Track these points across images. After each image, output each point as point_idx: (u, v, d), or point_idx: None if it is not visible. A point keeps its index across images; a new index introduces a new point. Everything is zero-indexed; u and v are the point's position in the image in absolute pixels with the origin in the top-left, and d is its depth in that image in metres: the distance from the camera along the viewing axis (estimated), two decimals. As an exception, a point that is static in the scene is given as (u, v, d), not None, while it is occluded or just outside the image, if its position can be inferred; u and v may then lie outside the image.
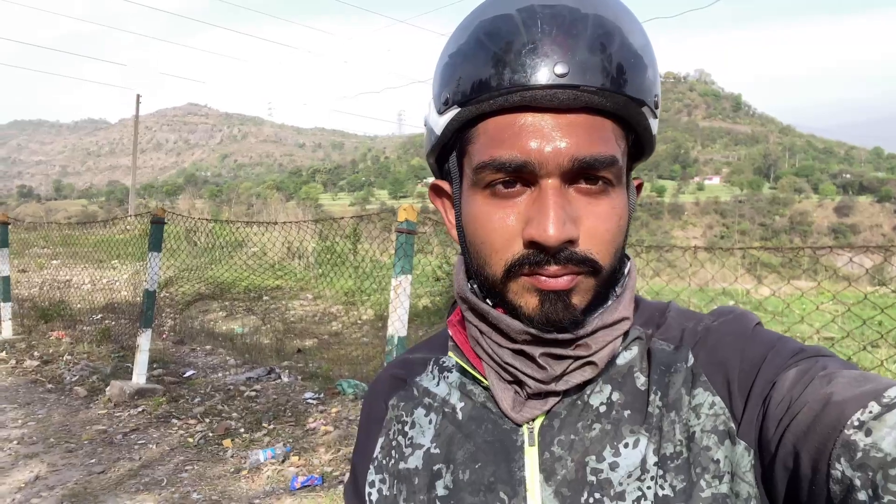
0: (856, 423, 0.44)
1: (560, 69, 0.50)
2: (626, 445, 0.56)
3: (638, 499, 0.54)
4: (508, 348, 0.59)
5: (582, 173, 0.53)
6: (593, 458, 0.56)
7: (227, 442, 4.40)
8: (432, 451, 0.63)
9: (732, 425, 0.54)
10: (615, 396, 0.58)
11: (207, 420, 4.84)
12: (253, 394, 5.44)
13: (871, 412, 0.43)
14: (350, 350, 7.13)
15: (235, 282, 10.05)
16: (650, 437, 0.56)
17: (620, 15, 0.54)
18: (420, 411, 0.66)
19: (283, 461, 4.07)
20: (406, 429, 0.66)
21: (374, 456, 0.68)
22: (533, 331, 0.56)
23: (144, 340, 5.32)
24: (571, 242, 0.53)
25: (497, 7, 0.54)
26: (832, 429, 0.45)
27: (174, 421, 4.84)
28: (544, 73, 0.51)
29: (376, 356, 6.48)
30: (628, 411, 0.57)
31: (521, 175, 0.53)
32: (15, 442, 4.44)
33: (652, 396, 0.58)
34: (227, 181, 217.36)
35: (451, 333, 0.66)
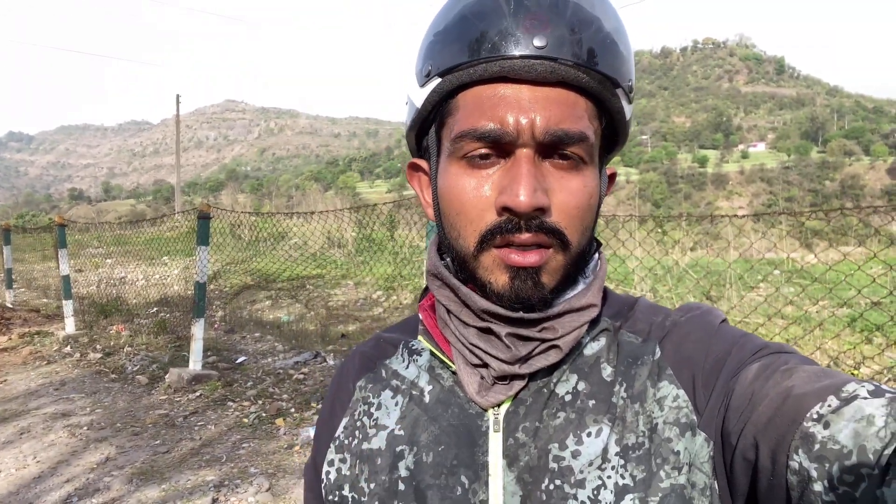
0: (814, 416, 0.45)
1: (538, 42, 0.52)
2: (588, 434, 0.57)
3: (598, 487, 0.54)
4: (475, 326, 0.60)
5: (554, 147, 0.55)
6: (556, 445, 0.57)
7: (279, 421, 4.65)
8: (396, 432, 0.63)
9: (694, 418, 0.55)
10: (581, 386, 0.59)
11: (260, 402, 5.10)
12: (301, 377, 5.68)
13: (829, 406, 0.45)
14: (392, 332, 7.32)
15: (279, 272, 10.37)
16: (613, 426, 0.57)
17: (599, 4, 0.56)
18: (387, 393, 0.67)
19: (332, 438, 4.28)
20: (371, 410, 0.67)
21: (336, 435, 0.68)
22: (500, 310, 0.57)
23: (198, 329, 5.61)
24: (542, 211, 0.54)
25: None
26: (791, 421, 0.46)
27: (229, 403, 5.11)
28: (523, 44, 0.53)
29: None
30: (593, 401, 0.58)
31: (498, 146, 0.55)
32: (85, 428, 4.76)
33: (617, 387, 0.58)
34: (267, 175, 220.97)
35: (421, 317, 0.67)
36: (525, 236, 0.54)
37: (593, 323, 0.61)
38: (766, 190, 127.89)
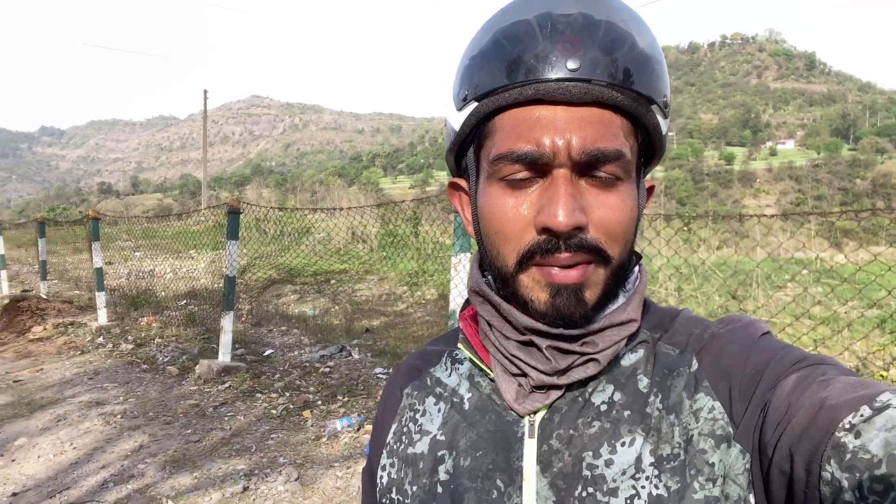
0: (847, 426, 0.45)
1: (572, 64, 0.53)
2: (622, 444, 0.57)
3: (631, 497, 0.55)
4: (515, 340, 0.61)
5: (591, 166, 0.55)
6: (590, 453, 0.58)
7: (306, 413, 4.74)
8: (438, 437, 0.66)
9: (730, 430, 0.55)
10: (617, 396, 0.60)
11: (287, 394, 5.20)
12: (327, 370, 5.77)
13: (862, 415, 0.45)
14: (415, 328, 7.40)
15: (304, 267, 10.50)
16: (647, 437, 0.57)
17: (631, 21, 0.56)
18: (431, 400, 0.69)
19: (357, 429, 4.36)
20: (417, 416, 0.69)
21: (387, 441, 0.71)
22: (542, 326, 0.58)
23: (227, 322, 5.72)
24: (581, 229, 0.55)
25: (515, 14, 0.57)
26: (825, 432, 0.46)
27: (258, 395, 5.22)
28: (557, 67, 0.53)
29: (440, 333, 6.71)
30: (628, 411, 0.59)
31: (536, 167, 0.55)
32: (119, 416, 4.90)
33: (652, 398, 0.59)
34: (291, 170, 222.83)
35: (461, 327, 0.70)
36: (565, 256, 0.55)
37: (632, 335, 0.62)
38: (794, 188, 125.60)
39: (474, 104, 0.58)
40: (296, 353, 6.48)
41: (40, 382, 5.91)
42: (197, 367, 5.85)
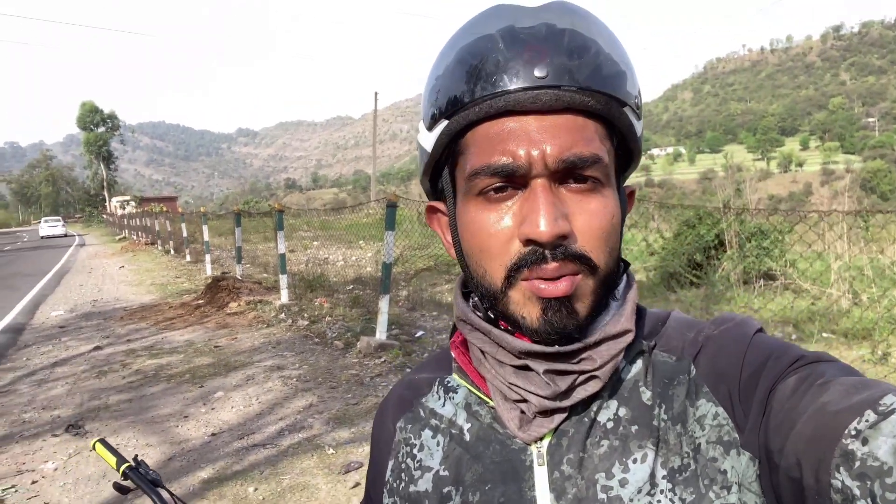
0: (853, 433, 0.44)
1: (539, 72, 0.52)
2: (634, 461, 0.56)
3: None
4: (511, 365, 0.59)
5: (569, 173, 0.54)
6: (603, 475, 0.56)
7: (448, 389, 5.22)
8: (441, 473, 0.63)
9: (736, 435, 0.54)
10: (622, 412, 0.58)
11: (434, 371, 5.72)
12: (471, 352, 6.23)
13: (867, 421, 0.44)
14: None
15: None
16: (657, 450, 0.56)
17: (593, 27, 0.56)
18: (427, 433, 0.66)
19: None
20: (414, 451, 0.66)
21: (387, 479, 0.68)
22: (538, 348, 0.56)
23: (384, 304, 6.39)
24: (565, 238, 0.53)
25: (477, 30, 0.56)
26: (831, 439, 0.45)
27: (407, 370, 5.78)
28: (525, 77, 0.52)
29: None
30: (635, 426, 0.57)
31: (513, 179, 0.54)
32: (294, 379, 5.73)
33: (657, 410, 0.58)
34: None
35: (454, 356, 0.66)
36: (552, 266, 0.53)
37: (629, 346, 0.60)
38: None
39: (444, 122, 0.57)
40: (444, 336, 7.01)
41: (234, 349, 7.02)
42: (358, 342, 6.60)
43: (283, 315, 8.50)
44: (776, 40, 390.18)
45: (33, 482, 3.90)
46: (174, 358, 6.74)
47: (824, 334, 6.05)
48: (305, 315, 8.37)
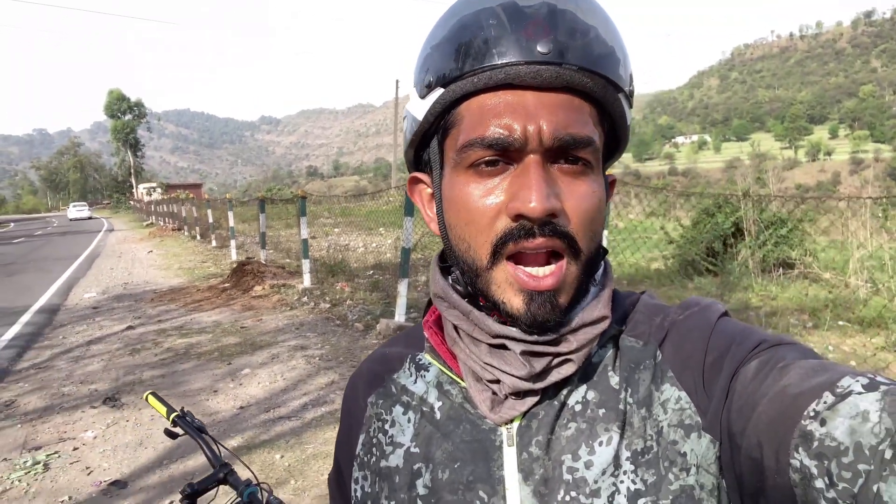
0: (811, 414, 0.45)
1: (542, 48, 0.52)
2: (600, 443, 0.57)
3: (612, 494, 0.55)
4: (486, 343, 0.59)
5: (562, 153, 0.54)
6: (569, 456, 0.57)
7: (465, 369, 5.41)
8: (412, 449, 0.63)
9: (698, 419, 0.55)
10: (590, 395, 0.59)
11: (451, 352, 5.92)
12: (488, 335, 6.40)
13: (825, 402, 0.45)
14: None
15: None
16: (622, 433, 0.57)
17: (594, 11, 0.56)
18: (398, 409, 0.67)
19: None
20: (386, 427, 0.67)
21: (357, 453, 0.69)
22: (516, 333, 0.57)
23: (403, 288, 6.59)
24: (555, 216, 0.53)
25: (479, 2, 0.55)
26: (791, 420, 0.46)
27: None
28: (527, 51, 0.52)
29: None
30: (603, 410, 0.58)
31: (506, 153, 0.54)
32: (317, 358, 5.96)
33: (623, 394, 0.58)
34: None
35: (426, 335, 0.66)
36: (538, 241, 0.53)
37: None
38: None
39: (440, 91, 0.56)
40: (462, 319, 7.21)
41: (260, 329, 7.27)
42: (378, 324, 6.80)
43: (305, 298, 8.73)
44: (806, 26, 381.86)
45: (74, 448, 4.17)
46: (203, 337, 7.01)
47: (840, 322, 6.11)
48: (327, 298, 8.59)
